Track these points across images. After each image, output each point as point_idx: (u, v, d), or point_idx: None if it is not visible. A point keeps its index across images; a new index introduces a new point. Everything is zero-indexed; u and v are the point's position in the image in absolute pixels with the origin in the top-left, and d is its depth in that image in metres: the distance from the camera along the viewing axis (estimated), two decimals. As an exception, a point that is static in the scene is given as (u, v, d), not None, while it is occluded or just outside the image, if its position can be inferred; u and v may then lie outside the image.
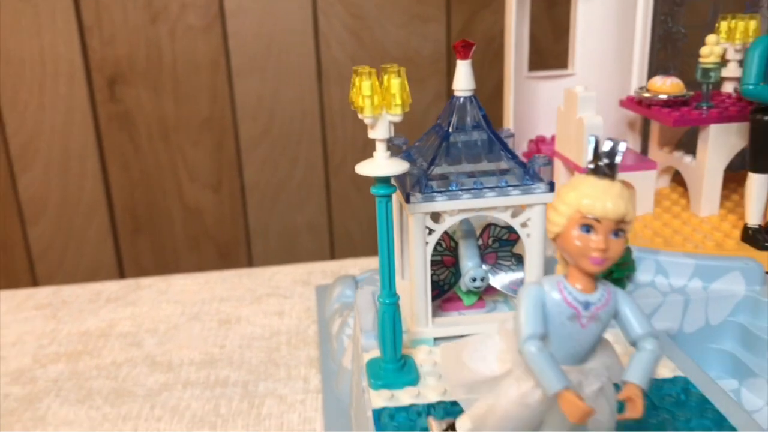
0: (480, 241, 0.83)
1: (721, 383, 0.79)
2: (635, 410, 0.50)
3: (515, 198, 0.75)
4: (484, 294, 0.83)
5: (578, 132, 0.88)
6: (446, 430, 0.60)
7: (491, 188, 0.75)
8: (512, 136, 0.85)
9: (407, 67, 0.66)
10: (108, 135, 1.51)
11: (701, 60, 0.91)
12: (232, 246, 1.59)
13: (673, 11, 0.99)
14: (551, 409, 0.53)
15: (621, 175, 0.86)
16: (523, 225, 0.77)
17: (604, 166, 0.50)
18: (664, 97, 0.92)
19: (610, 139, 0.51)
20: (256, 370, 0.98)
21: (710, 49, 0.90)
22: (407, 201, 0.73)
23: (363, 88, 0.64)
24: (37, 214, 1.54)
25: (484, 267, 0.81)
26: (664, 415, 0.67)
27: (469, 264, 0.81)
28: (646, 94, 0.94)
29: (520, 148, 1.10)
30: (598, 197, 0.49)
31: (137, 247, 1.55)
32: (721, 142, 0.89)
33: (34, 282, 1.52)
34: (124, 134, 1.49)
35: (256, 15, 1.53)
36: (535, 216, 0.76)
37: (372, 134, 0.67)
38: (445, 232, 0.83)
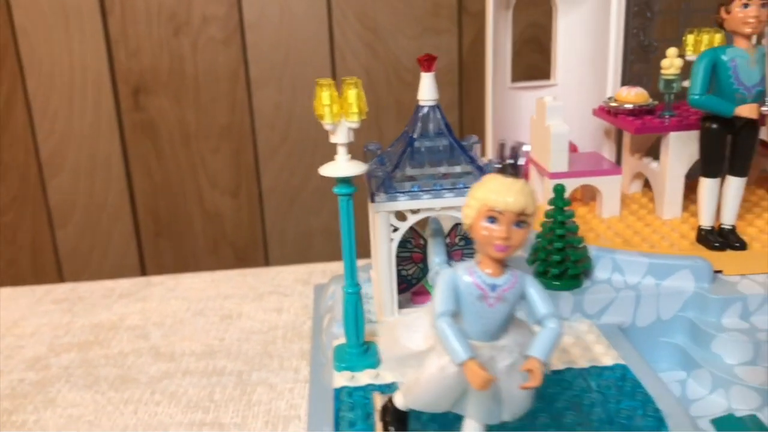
0: (448, 240, 0.89)
1: (670, 374, 0.84)
2: (535, 380, 0.56)
3: (470, 198, 0.81)
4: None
5: (546, 139, 0.94)
6: (386, 402, 0.67)
7: (449, 189, 0.81)
8: (478, 142, 0.92)
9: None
10: (132, 142, 1.60)
11: (662, 71, 0.96)
12: (250, 249, 1.66)
13: (644, 25, 1.04)
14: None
15: (589, 180, 0.93)
16: (480, 224, 0.83)
17: (509, 166, 0.56)
18: (629, 106, 0.97)
19: (516, 143, 0.58)
20: (252, 361, 1.04)
21: (670, 62, 0.95)
22: (372, 200, 0.80)
23: (323, 98, 0.72)
24: (65, 217, 1.63)
25: (449, 263, 0.87)
26: (598, 396, 0.72)
27: (436, 260, 0.87)
28: (613, 104, 0.99)
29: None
30: (502, 192, 0.55)
31: (159, 249, 1.63)
32: (681, 149, 0.93)
33: (61, 281, 1.61)
34: (147, 141, 1.57)
35: (273, 27, 1.61)
36: (491, 215, 0.82)
37: (333, 139, 0.74)
38: (416, 231, 0.89)
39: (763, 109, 0.83)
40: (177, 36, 1.60)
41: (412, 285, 0.88)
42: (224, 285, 1.29)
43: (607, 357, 0.79)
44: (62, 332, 1.13)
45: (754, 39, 0.85)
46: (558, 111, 0.95)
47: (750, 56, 0.82)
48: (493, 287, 0.57)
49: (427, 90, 0.83)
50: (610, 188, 0.97)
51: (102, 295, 1.26)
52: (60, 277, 1.61)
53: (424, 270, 0.88)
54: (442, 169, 0.83)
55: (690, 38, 0.97)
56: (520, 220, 0.56)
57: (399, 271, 0.87)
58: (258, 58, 1.61)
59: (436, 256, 0.87)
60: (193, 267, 1.62)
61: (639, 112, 0.97)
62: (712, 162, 0.87)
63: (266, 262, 1.65)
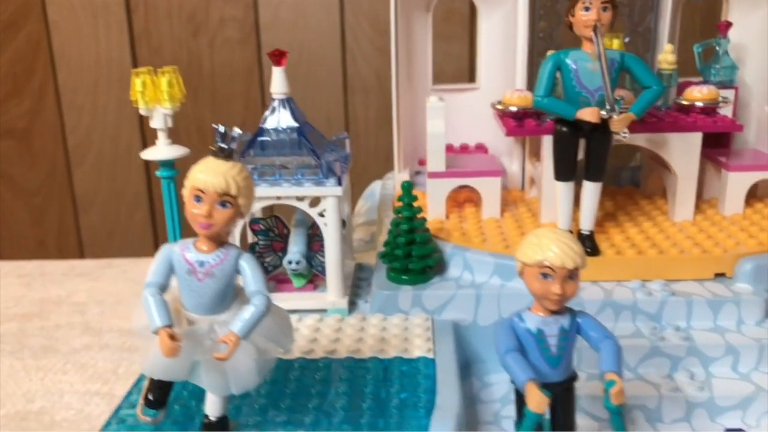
0: (311, 231, 0.93)
1: (502, 375, 0.84)
2: (227, 352, 0.59)
3: (306, 189, 0.85)
4: (320, 279, 0.92)
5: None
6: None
7: (288, 179, 0.85)
8: (346, 137, 0.95)
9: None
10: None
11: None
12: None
13: (551, 29, 1.04)
14: (201, 356, 0.63)
15: (470, 181, 0.95)
16: (321, 215, 0.86)
17: (218, 149, 0.60)
18: (513, 108, 0.98)
19: (232, 129, 0.61)
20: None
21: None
22: (211, 187, 0.85)
23: (136, 85, 0.78)
24: (88, 205, 1.76)
25: (308, 253, 0.91)
26: (383, 385, 0.74)
27: (294, 249, 0.92)
28: (499, 106, 1.00)
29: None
30: (207, 173, 0.59)
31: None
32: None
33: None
34: (166, 135, 1.67)
35: (288, 29, 1.68)
36: (329, 207, 0.86)
37: (152, 124, 0.80)
38: (280, 221, 0.94)
39: (602, 113, 0.82)
40: (196, 36, 1.70)
41: (268, 272, 0.93)
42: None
43: (418, 350, 0.80)
44: (12, 304, 1.24)
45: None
46: (438, 111, 0.97)
47: (593, 60, 0.82)
48: (202, 263, 0.61)
49: (278, 83, 0.88)
50: (490, 189, 0.97)
51: (62, 273, 1.36)
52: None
53: (283, 258, 0.92)
54: (285, 160, 0.87)
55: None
56: (224, 200, 0.59)
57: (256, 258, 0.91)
58: (272, 58, 1.68)
59: (295, 245, 0.92)
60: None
61: (523, 114, 0.97)
62: (564, 165, 0.87)
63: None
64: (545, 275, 0.58)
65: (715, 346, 0.80)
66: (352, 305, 0.91)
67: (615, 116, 0.82)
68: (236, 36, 1.69)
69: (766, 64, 1.09)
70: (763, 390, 0.76)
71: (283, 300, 0.88)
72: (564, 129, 0.85)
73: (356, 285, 0.96)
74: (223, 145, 0.60)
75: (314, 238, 0.92)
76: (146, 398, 0.68)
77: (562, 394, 0.62)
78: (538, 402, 0.56)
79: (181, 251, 0.62)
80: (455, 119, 1.13)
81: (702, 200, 1.04)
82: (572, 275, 0.59)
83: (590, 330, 0.61)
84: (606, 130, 0.84)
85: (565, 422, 0.63)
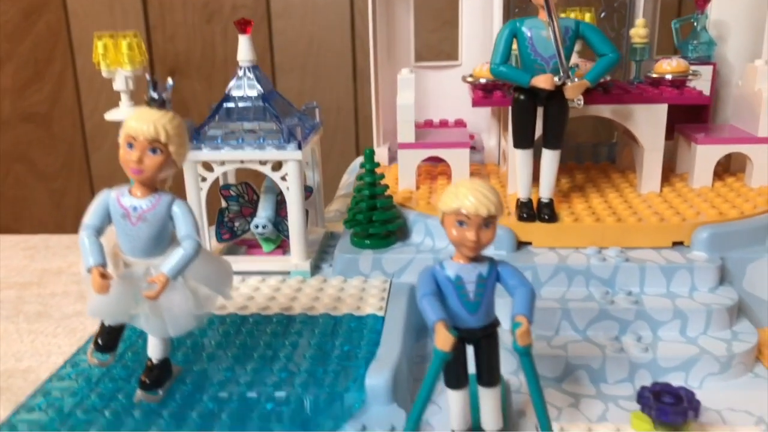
0: (279, 198, 0.95)
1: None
2: (155, 291, 0.62)
3: (268, 153, 0.88)
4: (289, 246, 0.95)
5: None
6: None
7: (251, 143, 0.88)
8: (316, 107, 0.98)
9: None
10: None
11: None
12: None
13: (526, 5, 1.05)
14: (140, 299, 0.66)
15: (439, 152, 0.97)
16: (283, 179, 0.89)
17: (151, 99, 0.63)
18: (483, 81, 0.99)
19: (161, 81, 0.64)
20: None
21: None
22: (177, 151, 0.88)
23: (98, 48, 0.81)
24: (105, 187, 1.80)
25: (276, 218, 0.94)
26: (329, 338, 0.77)
27: (262, 214, 0.95)
28: (470, 79, 1.02)
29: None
30: (138, 121, 0.62)
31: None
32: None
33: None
34: (179, 120, 1.72)
35: (299, 16, 1.72)
36: (291, 171, 0.88)
37: (115, 87, 0.84)
38: (250, 187, 0.97)
39: (556, 80, 0.83)
40: (209, 23, 1.75)
41: (236, 236, 0.96)
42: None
43: (370, 308, 0.82)
44: (14, 273, 1.29)
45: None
46: (408, 83, 0.99)
47: (547, 28, 0.83)
48: (135, 208, 0.64)
49: (243, 51, 0.91)
50: (458, 161, 0.99)
51: (65, 246, 1.41)
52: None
53: (251, 223, 0.95)
54: (250, 126, 0.90)
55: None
56: (155, 147, 0.62)
57: (225, 222, 0.95)
58: (283, 45, 1.72)
59: (263, 210, 0.95)
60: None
61: (492, 87, 0.98)
62: (522, 133, 0.88)
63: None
64: (461, 222, 0.60)
65: (663, 311, 0.81)
66: (317, 269, 0.93)
67: (569, 83, 0.83)
68: (248, 24, 1.72)
69: (746, 41, 1.09)
70: (708, 353, 0.77)
71: (249, 262, 0.91)
72: (521, 97, 0.87)
73: (324, 251, 0.98)
74: (154, 95, 0.63)
75: (283, 205, 0.95)
76: (96, 343, 0.71)
77: (484, 341, 0.64)
78: (444, 340, 0.58)
79: (116, 196, 0.65)
80: (437, 96, 1.15)
81: (674, 174, 1.04)
82: (487, 223, 0.60)
83: (508, 278, 0.63)
84: (562, 97, 0.85)
85: (489, 367, 0.65)
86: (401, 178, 1.01)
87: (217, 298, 0.70)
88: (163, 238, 0.66)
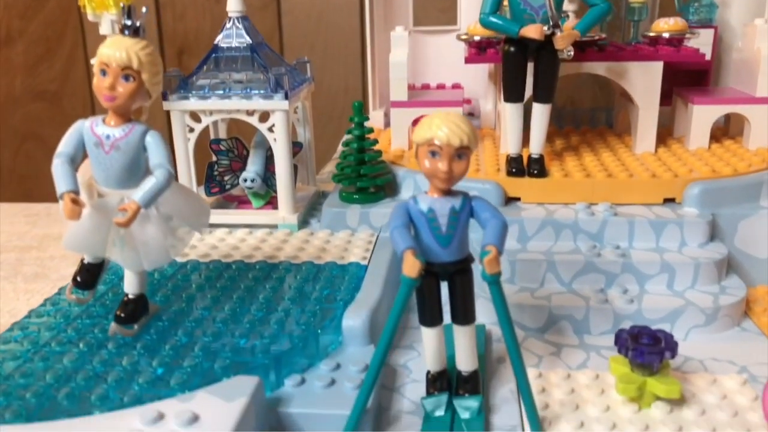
0: (269, 153, 0.95)
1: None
2: (125, 219, 0.62)
3: (255, 102, 0.88)
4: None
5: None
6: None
7: (237, 93, 0.88)
8: (307, 62, 0.98)
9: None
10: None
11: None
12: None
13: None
14: (114, 231, 0.66)
15: (432, 110, 0.96)
16: (270, 130, 0.89)
17: (124, 26, 0.63)
18: (477, 38, 0.99)
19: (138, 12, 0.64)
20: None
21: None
22: (164, 99, 0.88)
23: (85, -8, 0.81)
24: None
25: (265, 173, 0.94)
26: (311, 282, 0.76)
27: (249, 168, 0.94)
28: (464, 36, 1.01)
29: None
30: (111, 47, 0.62)
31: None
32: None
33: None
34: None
35: (308, -5, 1.72)
36: (278, 122, 0.88)
37: (101, 31, 0.84)
38: (240, 142, 0.97)
39: (546, 30, 0.82)
40: (219, 2, 1.75)
41: (225, 190, 0.95)
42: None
43: (352, 257, 0.82)
44: (15, 238, 1.30)
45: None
46: (401, 40, 0.98)
47: (536, -22, 0.82)
48: (108, 136, 0.64)
49: (232, 1, 0.90)
50: (450, 119, 0.98)
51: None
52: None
53: (239, 177, 0.95)
54: (238, 76, 0.89)
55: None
56: (127, 74, 0.62)
57: (215, 176, 0.95)
58: (292, 25, 1.72)
59: (252, 164, 0.94)
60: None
61: (486, 44, 0.98)
62: (512, 85, 0.87)
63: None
64: (434, 153, 0.59)
65: (651, 264, 0.79)
66: (306, 224, 0.93)
67: (558, 33, 0.82)
68: (257, 2, 1.73)
69: (749, 4, 1.07)
70: (693, 305, 0.76)
71: (238, 215, 0.91)
72: (511, 49, 0.86)
73: (313, 208, 0.98)
74: (128, 22, 0.63)
75: (272, 160, 0.94)
76: (75, 279, 0.71)
77: (457, 276, 0.63)
78: (411, 266, 0.57)
79: (90, 125, 0.65)
80: (435, 62, 1.15)
81: (672, 137, 1.03)
82: (460, 154, 0.59)
83: (481, 211, 0.62)
84: (552, 49, 0.84)
85: (463, 304, 0.64)
86: (393, 136, 1.00)
87: (193, 234, 0.70)
88: (136, 169, 0.65)
